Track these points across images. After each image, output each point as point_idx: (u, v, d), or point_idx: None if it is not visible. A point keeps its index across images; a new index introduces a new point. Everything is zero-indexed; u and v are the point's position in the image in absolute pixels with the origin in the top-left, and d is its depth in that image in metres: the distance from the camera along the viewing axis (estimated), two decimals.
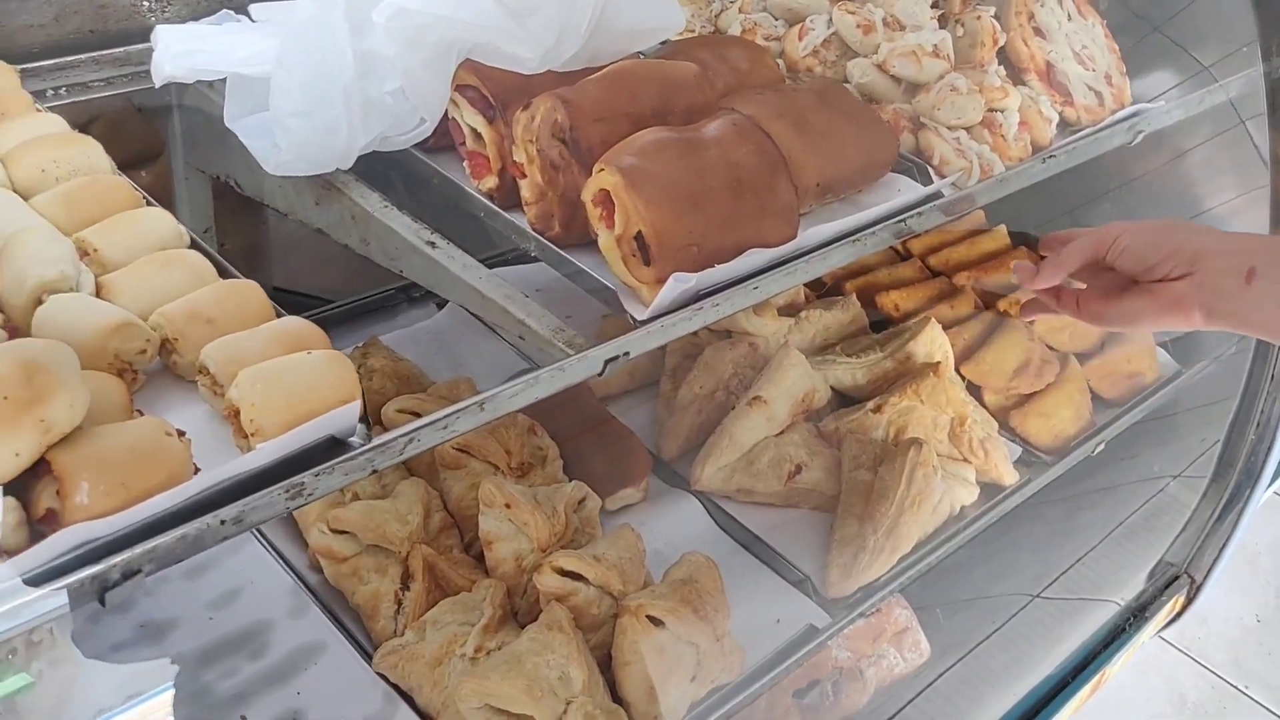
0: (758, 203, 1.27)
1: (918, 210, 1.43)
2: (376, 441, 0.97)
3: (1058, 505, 2.24)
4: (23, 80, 1.30)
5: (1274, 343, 1.35)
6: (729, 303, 1.25)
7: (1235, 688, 2.92)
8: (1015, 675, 2.17)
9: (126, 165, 1.60)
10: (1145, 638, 2.44)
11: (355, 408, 0.96)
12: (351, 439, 0.97)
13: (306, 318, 1.90)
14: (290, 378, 0.94)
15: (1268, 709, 2.88)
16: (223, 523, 0.88)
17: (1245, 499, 2.34)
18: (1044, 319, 2.09)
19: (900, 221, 1.41)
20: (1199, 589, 2.50)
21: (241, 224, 1.68)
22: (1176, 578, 2.46)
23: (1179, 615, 2.56)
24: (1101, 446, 2.01)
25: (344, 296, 2.03)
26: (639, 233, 1.19)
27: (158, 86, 1.36)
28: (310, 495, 0.93)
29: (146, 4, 1.48)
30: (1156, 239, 1.25)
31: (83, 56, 1.42)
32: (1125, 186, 2.48)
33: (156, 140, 1.59)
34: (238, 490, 0.91)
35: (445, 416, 1.02)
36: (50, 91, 1.39)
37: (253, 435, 0.91)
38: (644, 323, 1.19)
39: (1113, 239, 1.28)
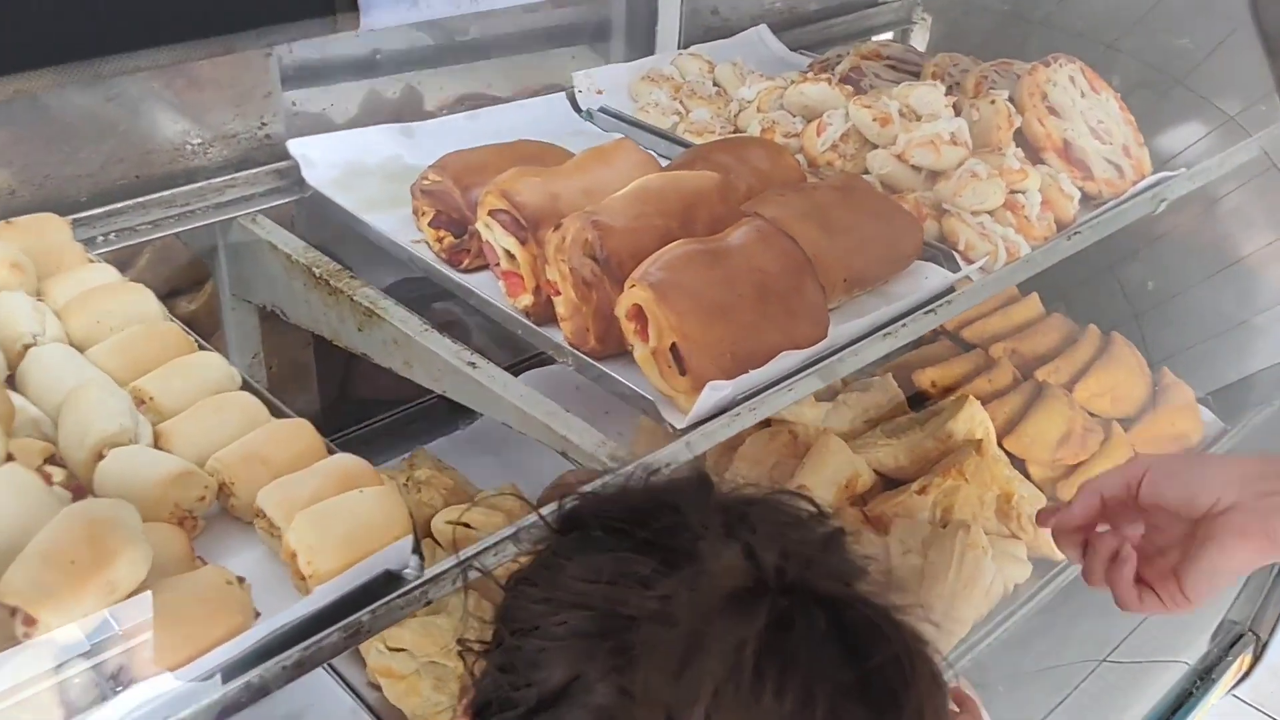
0: (785, 305, 1.30)
1: (946, 299, 1.45)
2: (429, 574, 0.99)
3: None
4: (74, 230, 1.35)
5: None
6: (765, 406, 1.27)
7: None
8: None
9: (175, 295, 1.66)
10: (1214, 699, 2.40)
11: (408, 543, 0.98)
12: (406, 571, 1.00)
13: (354, 431, 1.95)
14: (344, 518, 0.96)
15: None
16: (284, 668, 0.90)
17: None
18: (1080, 391, 2.09)
19: (929, 311, 1.43)
20: (1265, 646, 2.46)
21: (288, 346, 1.73)
22: (1241, 636, 2.42)
23: (1247, 674, 2.52)
24: None
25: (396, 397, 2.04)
26: (673, 344, 1.22)
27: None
28: (369, 632, 0.96)
29: (189, 147, 1.54)
30: (1187, 470, 1.15)
31: (130, 202, 1.47)
32: (1157, 242, 2.48)
33: (203, 272, 1.65)
34: (297, 631, 0.93)
35: (495, 544, 1.05)
36: (100, 238, 1.44)
37: (310, 578, 0.94)
38: (684, 431, 1.21)
39: (1140, 474, 1.16)
